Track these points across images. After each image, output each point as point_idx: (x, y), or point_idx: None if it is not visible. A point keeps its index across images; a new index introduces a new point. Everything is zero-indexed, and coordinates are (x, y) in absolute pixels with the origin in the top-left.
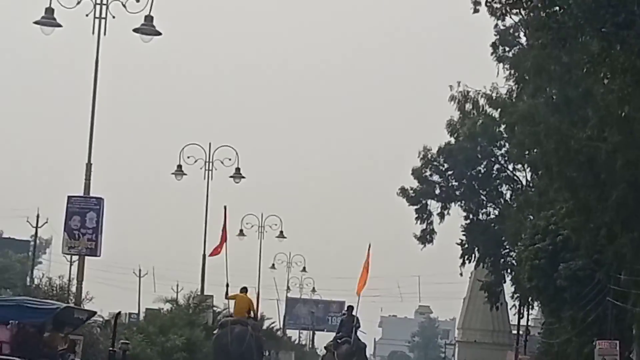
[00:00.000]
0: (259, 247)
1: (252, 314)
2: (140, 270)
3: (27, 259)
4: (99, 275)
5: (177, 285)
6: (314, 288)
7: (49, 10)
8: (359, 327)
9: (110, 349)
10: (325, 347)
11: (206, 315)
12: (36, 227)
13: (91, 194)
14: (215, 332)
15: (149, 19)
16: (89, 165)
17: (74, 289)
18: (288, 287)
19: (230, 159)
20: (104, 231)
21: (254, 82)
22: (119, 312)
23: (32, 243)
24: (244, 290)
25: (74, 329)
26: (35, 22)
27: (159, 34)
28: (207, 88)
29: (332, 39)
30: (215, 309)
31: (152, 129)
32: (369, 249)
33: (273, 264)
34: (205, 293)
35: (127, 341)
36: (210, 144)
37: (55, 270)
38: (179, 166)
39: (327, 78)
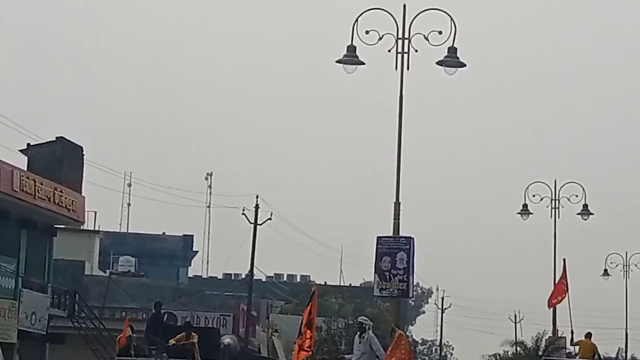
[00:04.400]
0: (625, 286)
1: (596, 358)
2: (516, 315)
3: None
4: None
5: (517, 325)
6: None
7: (351, 48)
8: None
9: None
10: None
11: (558, 357)
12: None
13: (405, 234)
14: None
15: (452, 50)
16: (397, 204)
17: None
18: None
19: (577, 195)
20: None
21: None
22: None
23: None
24: (589, 335)
25: None
26: (338, 61)
27: (463, 65)
28: (509, 117)
29: None
30: (567, 350)
31: (461, 164)
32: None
33: None
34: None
35: None
36: (555, 180)
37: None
38: (525, 205)
39: None
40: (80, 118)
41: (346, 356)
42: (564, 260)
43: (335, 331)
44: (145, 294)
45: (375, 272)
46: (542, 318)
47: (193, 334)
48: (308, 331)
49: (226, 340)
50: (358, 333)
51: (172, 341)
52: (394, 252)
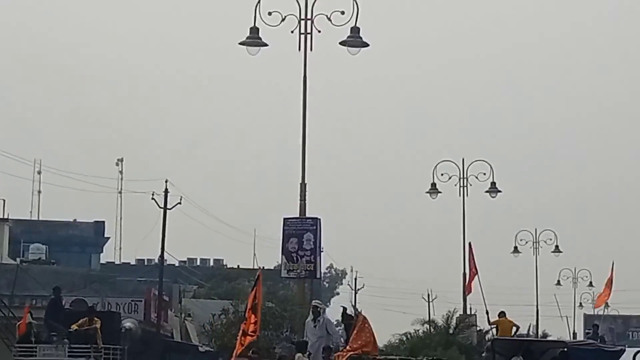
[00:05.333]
0: (535, 263)
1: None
2: (429, 295)
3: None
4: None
5: (430, 304)
6: (607, 303)
7: (254, 30)
8: None
9: None
10: None
11: (469, 335)
12: None
13: (314, 215)
14: (483, 354)
15: (355, 30)
16: (303, 185)
17: None
18: (580, 304)
19: (485, 174)
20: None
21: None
22: None
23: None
24: (503, 314)
25: None
26: (241, 43)
27: (366, 45)
28: (415, 98)
29: None
30: (478, 328)
31: (369, 144)
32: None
33: (558, 281)
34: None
35: None
36: (463, 159)
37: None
38: (433, 184)
39: None
40: None
41: (277, 350)
42: (469, 243)
43: (242, 313)
44: (56, 281)
45: (282, 254)
46: (454, 297)
47: (95, 318)
48: (252, 315)
49: (127, 324)
50: (312, 317)
51: (74, 326)
52: (301, 233)
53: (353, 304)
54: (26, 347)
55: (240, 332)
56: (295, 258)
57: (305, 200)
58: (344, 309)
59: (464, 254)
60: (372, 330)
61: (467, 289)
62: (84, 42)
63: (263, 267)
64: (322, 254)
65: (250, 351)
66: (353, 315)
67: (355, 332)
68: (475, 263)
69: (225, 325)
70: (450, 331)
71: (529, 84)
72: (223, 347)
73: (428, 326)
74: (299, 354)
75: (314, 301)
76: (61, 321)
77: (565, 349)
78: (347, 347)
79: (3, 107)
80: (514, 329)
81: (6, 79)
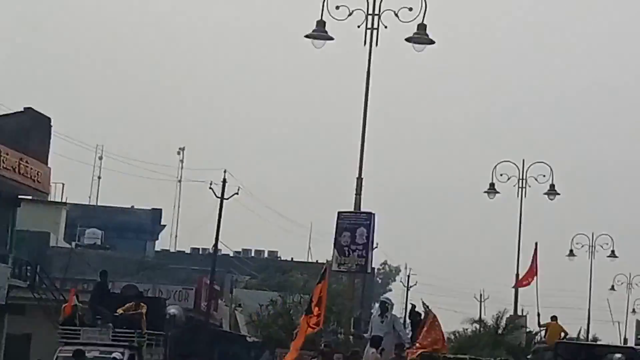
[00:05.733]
0: (590, 267)
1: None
2: (481, 295)
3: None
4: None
5: (482, 304)
6: None
7: (320, 23)
8: None
9: None
10: None
11: (518, 336)
12: None
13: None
14: (529, 357)
15: (422, 27)
16: (359, 180)
17: None
18: (634, 310)
19: (544, 176)
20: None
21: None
22: None
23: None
24: (555, 318)
25: None
26: (307, 36)
27: (432, 42)
28: (478, 96)
29: None
30: (527, 329)
31: (430, 142)
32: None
33: (612, 286)
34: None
35: None
36: (523, 160)
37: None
38: (492, 184)
39: None
40: (50, 90)
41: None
42: (536, 243)
43: (291, 305)
44: (111, 266)
45: (334, 247)
46: (506, 298)
47: (141, 304)
48: (317, 309)
49: (172, 310)
50: (379, 312)
51: (120, 310)
52: (354, 227)
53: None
54: (70, 330)
55: (305, 324)
56: (347, 252)
57: (360, 194)
58: (413, 306)
59: (518, 256)
60: (442, 328)
61: (519, 284)
62: (146, 31)
63: (317, 261)
64: (375, 249)
65: (323, 344)
66: (421, 312)
67: (425, 329)
68: (538, 264)
69: (272, 317)
70: (499, 331)
71: (594, 85)
72: (268, 338)
73: (477, 325)
74: (373, 350)
75: (382, 297)
76: (107, 305)
77: (629, 354)
78: (417, 345)
79: (68, 92)
80: (562, 334)
81: (74, 65)
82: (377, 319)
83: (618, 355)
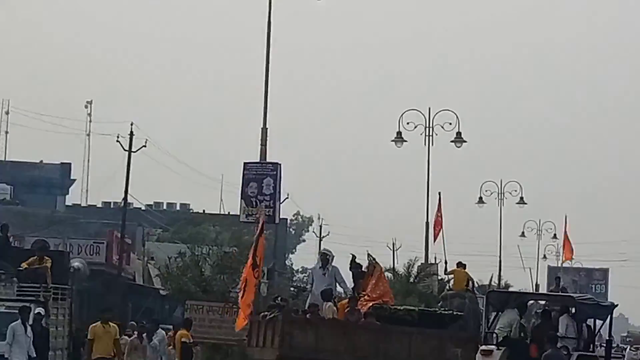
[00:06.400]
0: (499, 214)
1: (470, 285)
2: (394, 244)
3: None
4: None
5: (395, 253)
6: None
7: None
8: None
9: None
10: None
11: (430, 284)
12: None
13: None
14: (439, 304)
15: None
16: (264, 130)
17: None
18: (544, 256)
19: (450, 123)
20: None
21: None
22: None
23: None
24: (461, 264)
25: None
26: None
27: None
28: (383, 46)
29: None
30: (439, 277)
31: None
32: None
33: (523, 232)
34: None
35: None
36: (429, 108)
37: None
38: (399, 132)
39: None
40: None
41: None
42: (439, 193)
43: (200, 257)
44: (20, 222)
45: (241, 198)
46: (418, 246)
47: (46, 257)
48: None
49: (75, 264)
50: (320, 264)
51: (24, 265)
52: (261, 177)
53: (369, 254)
54: None
55: (245, 281)
56: (254, 203)
57: (266, 145)
58: (353, 257)
59: (427, 203)
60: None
61: (434, 237)
62: None
63: (229, 213)
64: (286, 200)
65: (279, 299)
66: (361, 264)
67: (374, 282)
68: (442, 214)
69: (180, 269)
70: (411, 280)
71: (495, 36)
72: (177, 291)
73: (390, 274)
74: (330, 303)
75: (323, 248)
76: (10, 260)
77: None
78: (367, 297)
79: None
80: (470, 282)
81: None
82: (318, 271)
83: (542, 302)
